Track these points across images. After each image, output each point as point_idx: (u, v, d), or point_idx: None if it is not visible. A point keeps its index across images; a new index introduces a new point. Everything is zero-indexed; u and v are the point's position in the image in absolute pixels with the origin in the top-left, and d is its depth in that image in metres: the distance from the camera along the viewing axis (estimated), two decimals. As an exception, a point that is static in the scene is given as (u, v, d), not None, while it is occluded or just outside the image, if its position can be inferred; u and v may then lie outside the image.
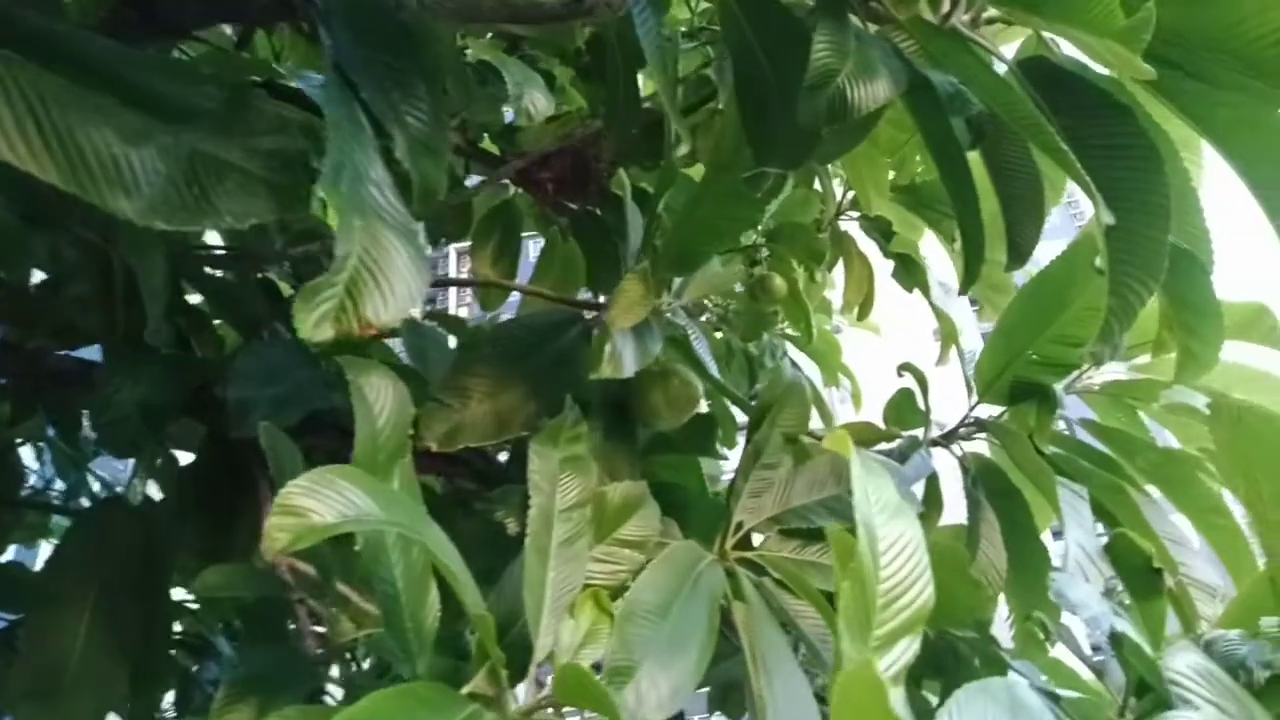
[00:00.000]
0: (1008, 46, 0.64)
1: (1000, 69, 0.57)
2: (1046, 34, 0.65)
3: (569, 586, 0.53)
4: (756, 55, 0.54)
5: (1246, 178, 0.60)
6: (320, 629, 0.61)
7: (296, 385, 0.62)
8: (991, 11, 0.64)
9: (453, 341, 0.96)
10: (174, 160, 0.35)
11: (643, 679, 0.53)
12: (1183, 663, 0.53)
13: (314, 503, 0.36)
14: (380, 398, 0.47)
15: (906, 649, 0.36)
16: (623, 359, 0.54)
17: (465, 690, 0.49)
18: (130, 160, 0.34)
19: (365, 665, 0.98)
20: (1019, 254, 0.65)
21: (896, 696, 0.35)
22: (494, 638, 0.45)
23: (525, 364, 0.64)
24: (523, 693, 0.53)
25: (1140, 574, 0.79)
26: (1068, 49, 0.60)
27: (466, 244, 1.21)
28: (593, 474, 0.57)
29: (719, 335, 1.72)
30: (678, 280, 0.76)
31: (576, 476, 0.56)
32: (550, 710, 0.51)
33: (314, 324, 0.31)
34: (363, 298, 0.34)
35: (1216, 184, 0.69)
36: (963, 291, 0.68)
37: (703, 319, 1.80)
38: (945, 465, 1.00)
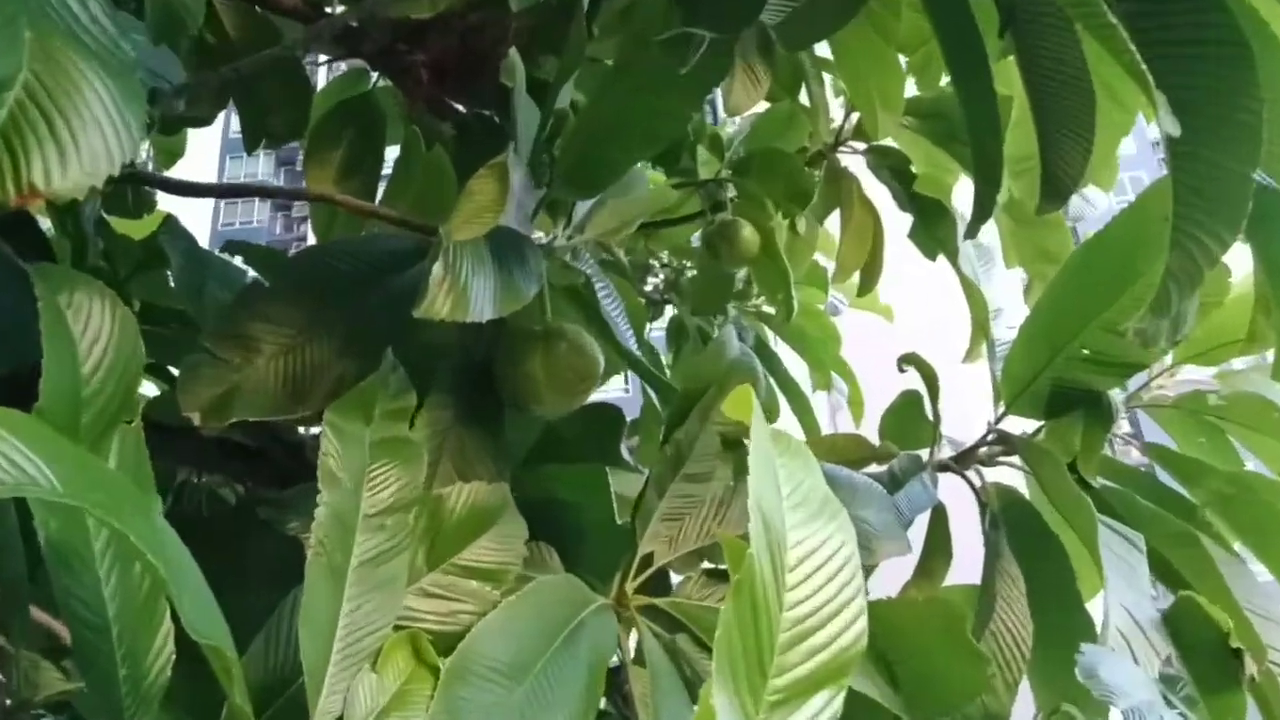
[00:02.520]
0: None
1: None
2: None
3: (372, 626, 0.51)
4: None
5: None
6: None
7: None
8: None
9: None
10: None
11: (474, 769, 0.51)
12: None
13: (-58, 459, 0.34)
14: (92, 328, 0.44)
15: (822, 709, 0.35)
16: (469, 294, 0.52)
17: (208, 770, 0.47)
18: None
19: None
20: (1056, 190, 0.65)
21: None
22: (243, 689, 0.43)
23: (343, 307, 0.62)
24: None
25: (1211, 655, 0.80)
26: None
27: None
28: (423, 467, 0.56)
29: (669, 309, 1.72)
30: (581, 208, 0.74)
31: (396, 468, 0.54)
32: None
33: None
34: (29, 149, 0.31)
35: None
36: (969, 235, 0.67)
37: (649, 286, 1.80)
38: (962, 498, 1.01)
